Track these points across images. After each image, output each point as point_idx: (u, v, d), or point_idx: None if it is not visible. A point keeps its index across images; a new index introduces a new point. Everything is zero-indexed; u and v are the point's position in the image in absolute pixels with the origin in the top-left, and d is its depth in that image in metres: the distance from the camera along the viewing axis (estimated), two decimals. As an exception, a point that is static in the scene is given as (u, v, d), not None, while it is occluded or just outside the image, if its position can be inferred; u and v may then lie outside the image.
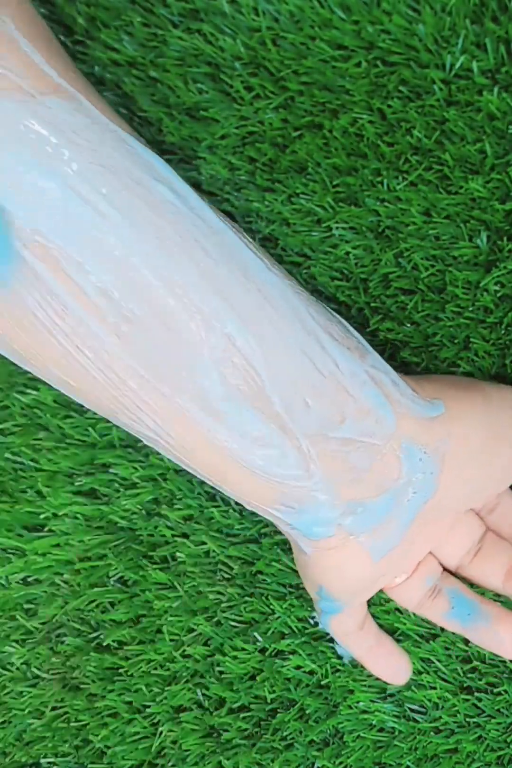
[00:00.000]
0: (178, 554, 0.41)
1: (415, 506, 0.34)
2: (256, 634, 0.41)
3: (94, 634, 0.42)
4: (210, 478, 0.34)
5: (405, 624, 0.40)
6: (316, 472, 0.33)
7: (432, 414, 0.34)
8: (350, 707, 0.40)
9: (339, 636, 0.39)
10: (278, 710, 0.41)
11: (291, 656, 0.41)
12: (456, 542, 0.39)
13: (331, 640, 0.41)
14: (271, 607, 0.41)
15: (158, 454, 0.41)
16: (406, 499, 0.34)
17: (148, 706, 0.41)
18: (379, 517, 0.34)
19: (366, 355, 0.34)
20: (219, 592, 0.41)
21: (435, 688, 0.40)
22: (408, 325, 0.40)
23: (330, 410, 0.32)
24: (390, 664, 0.39)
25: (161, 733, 0.41)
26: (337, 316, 0.35)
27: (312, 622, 0.41)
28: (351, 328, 0.35)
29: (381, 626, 0.40)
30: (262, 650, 0.41)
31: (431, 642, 0.40)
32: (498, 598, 0.40)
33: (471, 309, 0.40)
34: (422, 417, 0.34)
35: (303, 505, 0.33)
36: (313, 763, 0.40)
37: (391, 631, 0.40)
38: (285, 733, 0.40)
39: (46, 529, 0.42)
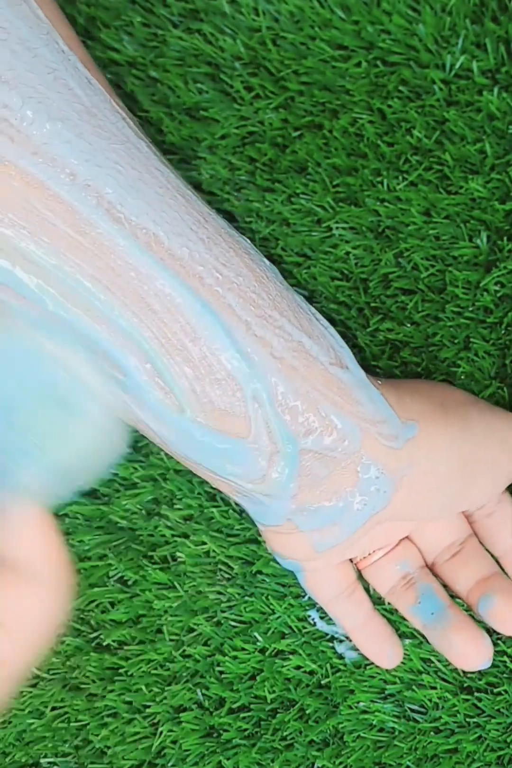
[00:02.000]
0: (178, 554, 0.41)
1: (364, 515, 0.35)
2: (256, 634, 0.41)
3: (94, 634, 0.42)
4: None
5: (406, 624, 0.40)
6: None
7: (400, 443, 0.34)
8: (350, 707, 0.40)
9: (322, 602, 0.39)
10: (278, 710, 0.41)
11: (291, 656, 0.41)
12: (437, 534, 0.38)
13: (331, 639, 0.41)
14: (271, 607, 0.41)
15: (158, 453, 0.41)
16: (356, 508, 0.35)
17: (148, 706, 0.41)
18: (327, 520, 0.35)
19: (346, 370, 0.34)
20: (219, 592, 0.41)
21: (435, 688, 0.40)
22: (408, 325, 0.40)
23: (297, 424, 0.33)
24: (380, 645, 0.39)
25: (161, 733, 0.41)
26: (321, 323, 0.35)
27: (311, 621, 0.41)
28: (333, 337, 0.35)
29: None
30: (262, 650, 0.41)
31: (431, 642, 0.40)
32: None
33: (471, 309, 0.40)
34: (388, 444, 0.34)
35: (258, 499, 0.35)
36: (313, 763, 0.40)
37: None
38: (285, 733, 0.40)
39: (46, 529, 0.42)
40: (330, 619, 0.40)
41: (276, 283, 0.34)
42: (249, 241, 0.34)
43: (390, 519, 0.36)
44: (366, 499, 0.34)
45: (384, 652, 0.39)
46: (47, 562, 0.30)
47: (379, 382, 0.36)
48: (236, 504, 0.41)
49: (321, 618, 0.41)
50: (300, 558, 0.37)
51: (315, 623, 0.41)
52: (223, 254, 0.32)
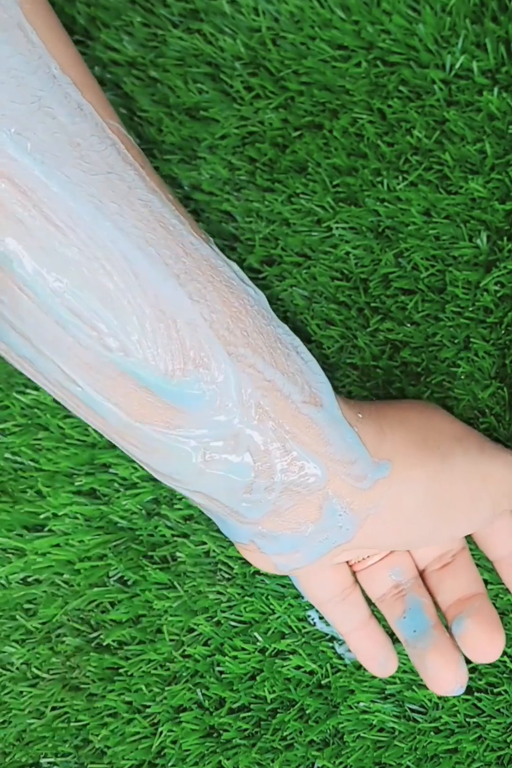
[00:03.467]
0: (178, 554, 0.41)
1: (325, 547, 0.35)
2: (256, 634, 0.41)
3: (94, 634, 0.42)
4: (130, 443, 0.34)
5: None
6: None
7: (369, 483, 0.34)
8: (350, 707, 0.40)
9: (316, 603, 0.39)
10: (278, 710, 0.41)
11: (291, 656, 0.41)
12: None
13: (331, 639, 0.41)
14: (271, 607, 0.41)
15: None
16: (318, 540, 0.35)
17: (148, 706, 0.41)
18: (288, 547, 0.35)
19: (320, 408, 0.34)
20: (219, 592, 0.41)
21: (435, 688, 0.40)
22: (408, 325, 0.40)
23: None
24: (373, 651, 0.39)
25: (161, 733, 0.41)
26: (301, 357, 0.34)
27: (311, 622, 0.41)
28: (313, 372, 0.34)
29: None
30: (262, 650, 0.41)
31: (431, 642, 0.40)
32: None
33: (471, 309, 0.40)
34: (355, 485, 0.34)
35: (223, 518, 0.35)
36: (313, 763, 0.40)
37: (392, 632, 0.40)
38: (285, 733, 0.40)
39: (46, 529, 0.42)
40: (330, 619, 0.40)
41: (254, 318, 0.33)
42: (235, 268, 0.34)
43: (354, 549, 0.36)
44: (328, 534, 0.35)
45: (377, 658, 0.39)
46: None
47: (359, 416, 0.35)
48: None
49: (321, 618, 0.41)
50: (268, 571, 0.37)
51: (314, 623, 0.41)
52: (197, 291, 0.32)
